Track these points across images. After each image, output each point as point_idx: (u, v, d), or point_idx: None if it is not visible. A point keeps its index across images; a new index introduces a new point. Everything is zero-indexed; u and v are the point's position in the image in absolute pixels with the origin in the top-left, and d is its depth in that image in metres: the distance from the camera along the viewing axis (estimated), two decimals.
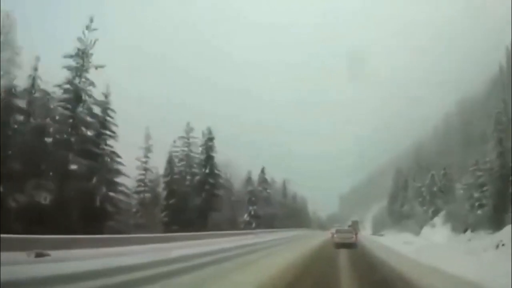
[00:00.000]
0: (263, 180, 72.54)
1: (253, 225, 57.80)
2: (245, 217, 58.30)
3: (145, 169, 38.54)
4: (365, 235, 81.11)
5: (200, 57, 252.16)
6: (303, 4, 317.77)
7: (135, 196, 38.63)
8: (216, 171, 43.56)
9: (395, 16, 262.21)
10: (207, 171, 42.26)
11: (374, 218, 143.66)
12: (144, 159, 38.49)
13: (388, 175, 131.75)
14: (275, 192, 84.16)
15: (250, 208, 58.53)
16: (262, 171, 73.19)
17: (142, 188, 38.57)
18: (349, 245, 28.43)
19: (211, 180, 42.22)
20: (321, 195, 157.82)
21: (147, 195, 39.02)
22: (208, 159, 42.87)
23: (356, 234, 32.62)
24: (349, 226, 53.70)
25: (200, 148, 43.48)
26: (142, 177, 38.55)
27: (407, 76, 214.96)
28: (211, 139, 43.85)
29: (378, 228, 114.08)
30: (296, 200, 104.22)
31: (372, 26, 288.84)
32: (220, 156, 52.84)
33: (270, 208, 71.45)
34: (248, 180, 62.37)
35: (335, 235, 29.74)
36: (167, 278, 10.94)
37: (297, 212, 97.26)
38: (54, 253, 13.94)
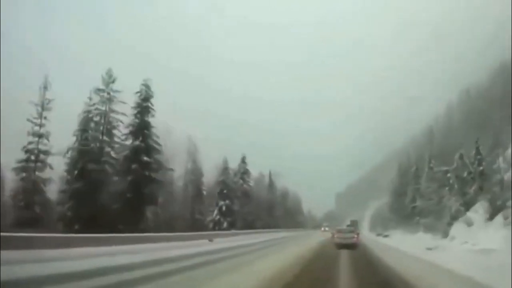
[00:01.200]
0: (244, 171, 58.16)
1: (224, 225, 43.31)
2: (214, 214, 43.80)
3: (39, 135, 24.06)
4: (368, 236, 67.17)
5: (199, 57, 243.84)
6: (303, 4, 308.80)
7: (24, 175, 24.29)
8: (153, 144, 28.92)
9: (395, 14, 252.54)
10: (137, 142, 27.72)
11: (372, 216, 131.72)
12: (37, 120, 24.05)
13: (386, 171, 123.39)
14: (261, 188, 69.90)
15: (221, 203, 44.05)
16: (243, 160, 58.82)
17: (32, 164, 24.08)
18: (351, 246, 25.29)
19: (144, 158, 27.58)
20: (317, 194, 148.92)
21: (41, 174, 24.52)
22: (142, 126, 28.28)
23: (358, 234, 29.26)
24: (347, 226, 45.99)
25: (134, 111, 28.85)
26: (32, 146, 24.09)
27: (407, 74, 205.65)
28: (147, 98, 29.24)
29: (378, 228, 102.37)
30: (287, 197, 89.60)
31: (371, 25, 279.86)
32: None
33: (251, 204, 57.07)
34: (224, 170, 47.89)
35: (335, 235, 26.90)
36: None
37: (288, 210, 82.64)
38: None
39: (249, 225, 55.25)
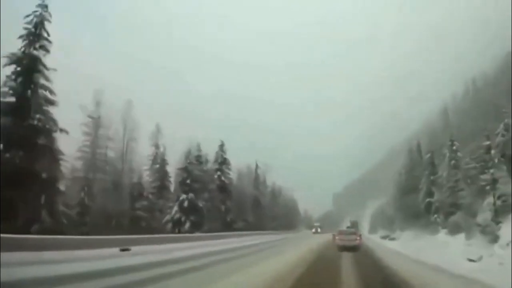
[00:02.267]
0: (222, 161, 47.23)
1: (187, 225, 32.26)
2: (173, 212, 32.81)
3: None
4: (371, 238, 56.48)
5: (198, 59, 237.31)
6: (303, 4, 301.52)
7: None
8: (42, 92, 17.66)
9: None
10: (13, 91, 16.48)
11: (372, 217, 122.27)
12: None
13: (385, 170, 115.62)
14: (248, 183, 58.88)
15: (183, 197, 33.02)
16: (221, 147, 47.94)
17: None
18: (353, 248, 22.30)
19: (22, 111, 16.38)
20: (314, 194, 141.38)
21: None
22: (25, 64, 17.09)
23: (360, 236, 25.50)
24: (347, 227, 42.18)
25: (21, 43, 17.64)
26: None
27: (407, 74, 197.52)
28: (40, 23, 17.99)
29: (379, 229, 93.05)
30: (278, 194, 78.49)
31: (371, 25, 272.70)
32: None
33: (230, 201, 46.16)
34: (188, 154, 36.89)
35: (337, 237, 24.16)
36: None
37: (279, 209, 71.29)
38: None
39: (228, 226, 44.36)
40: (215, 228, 40.14)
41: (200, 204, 33.32)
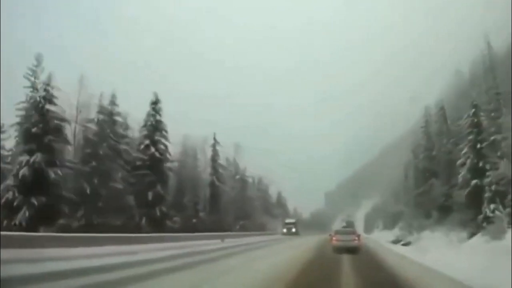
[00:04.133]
0: (153, 125, 31.11)
1: (20, 215, 15.77)
2: (2, 188, 16.21)
3: None
4: (371, 238, 41.39)
5: (198, 62, 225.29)
6: (303, 5, 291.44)
7: None
8: None
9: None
10: None
11: (366, 215, 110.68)
12: None
13: (381, 168, 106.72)
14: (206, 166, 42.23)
15: (22, 159, 16.44)
16: (153, 106, 31.74)
17: None
18: (352, 250, 19.20)
19: None
20: (306, 192, 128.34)
21: None
22: None
23: (359, 236, 21.95)
24: (343, 227, 35.13)
25: None
26: None
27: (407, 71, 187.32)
28: None
29: (375, 229, 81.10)
30: (258, 185, 62.21)
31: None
32: None
33: (161, 186, 29.91)
34: (46, 85, 20.05)
35: (334, 238, 21.36)
36: None
37: (250, 203, 54.41)
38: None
39: (157, 223, 28.07)
40: (126, 226, 23.89)
41: (52, 174, 16.71)
